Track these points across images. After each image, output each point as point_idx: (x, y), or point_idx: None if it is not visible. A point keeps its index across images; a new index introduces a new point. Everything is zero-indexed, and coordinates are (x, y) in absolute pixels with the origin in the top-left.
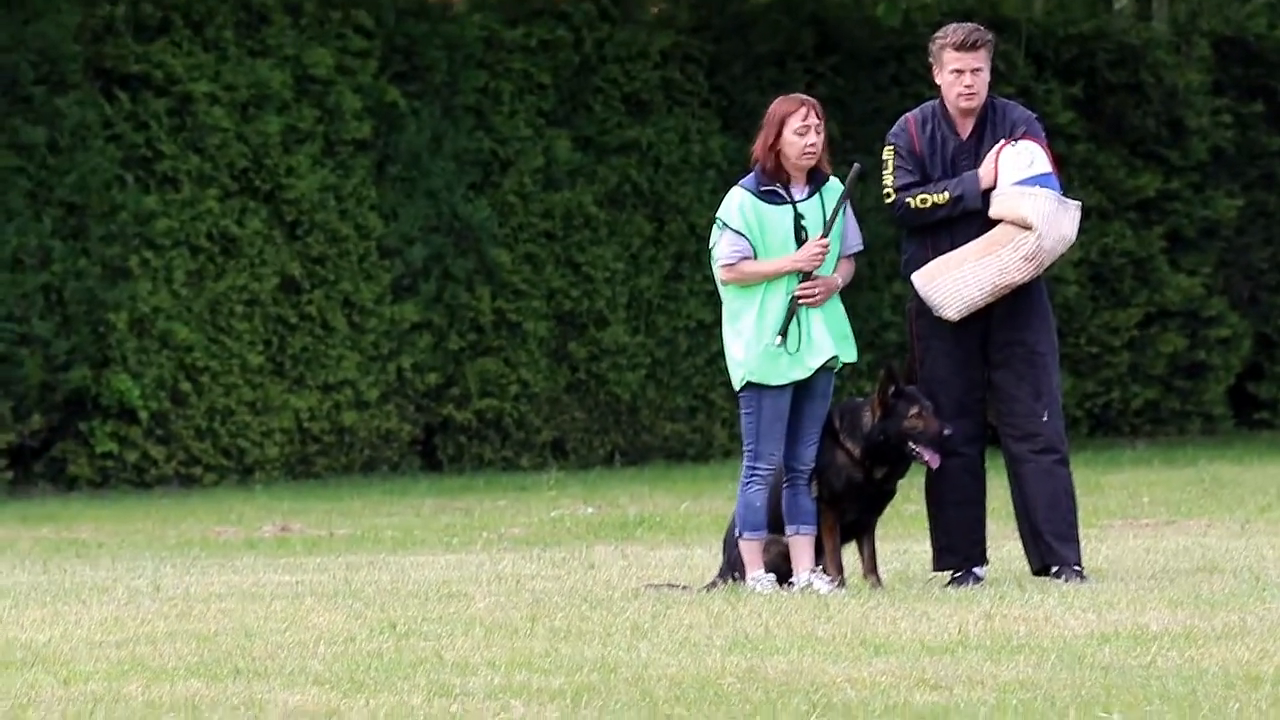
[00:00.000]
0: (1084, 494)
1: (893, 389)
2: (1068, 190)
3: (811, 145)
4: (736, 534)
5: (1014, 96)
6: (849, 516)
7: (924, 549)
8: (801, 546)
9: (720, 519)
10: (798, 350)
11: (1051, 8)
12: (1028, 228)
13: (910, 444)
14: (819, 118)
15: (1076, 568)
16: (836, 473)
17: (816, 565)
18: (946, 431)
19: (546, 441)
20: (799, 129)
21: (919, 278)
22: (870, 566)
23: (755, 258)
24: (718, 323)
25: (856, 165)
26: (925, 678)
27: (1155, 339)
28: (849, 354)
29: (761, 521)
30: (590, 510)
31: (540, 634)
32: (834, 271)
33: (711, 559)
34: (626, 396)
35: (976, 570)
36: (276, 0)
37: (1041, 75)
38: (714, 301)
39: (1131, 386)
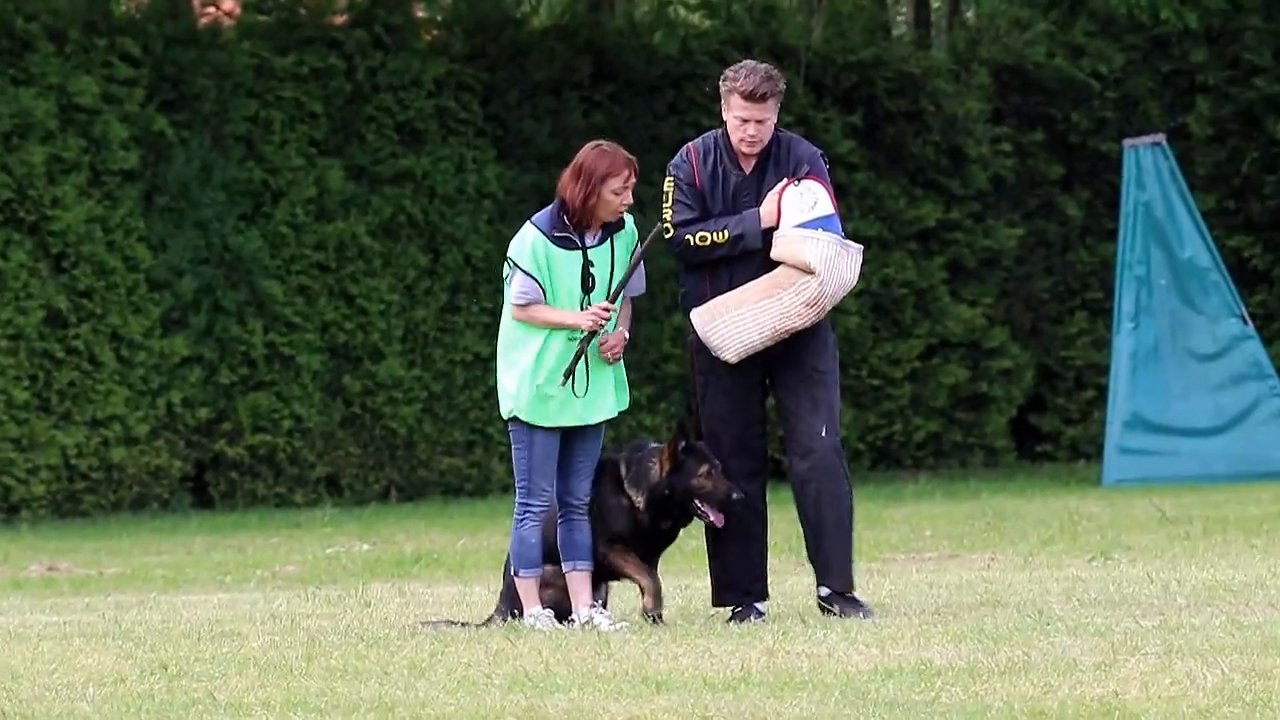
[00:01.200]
0: (866, 527)
1: (683, 444)
2: (848, 221)
3: (625, 204)
4: (512, 572)
5: (793, 125)
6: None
7: (706, 584)
8: (579, 582)
9: (499, 554)
10: (584, 394)
11: (830, 35)
12: (810, 272)
13: (696, 502)
14: (635, 177)
15: (851, 595)
16: (617, 518)
17: (595, 600)
18: (735, 495)
19: (321, 477)
20: (617, 189)
21: (699, 317)
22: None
23: (545, 300)
24: (494, 355)
25: (659, 226)
26: (708, 715)
27: (937, 370)
28: (623, 402)
29: (536, 559)
30: (366, 547)
31: (316, 673)
32: (618, 315)
33: (490, 595)
34: (402, 431)
35: (758, 606)
36: (40, 27)
37: (821, 103)
38: (490, 334)
39: (913, 419)
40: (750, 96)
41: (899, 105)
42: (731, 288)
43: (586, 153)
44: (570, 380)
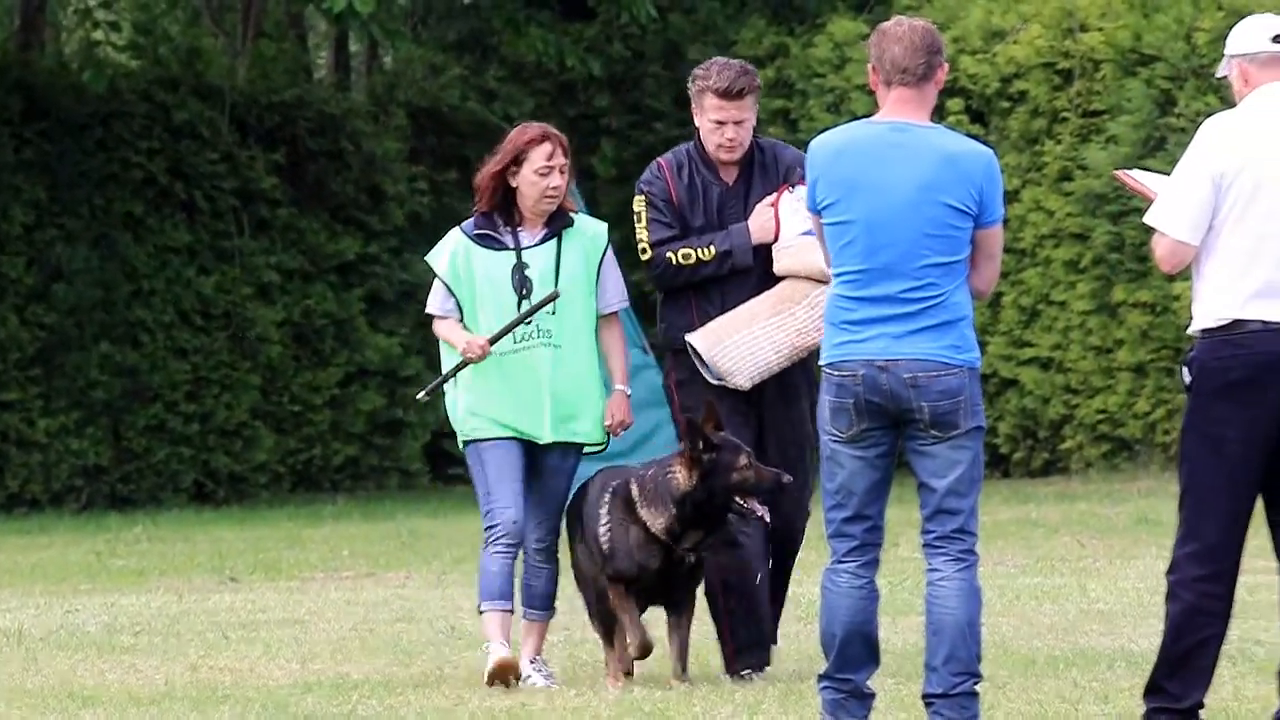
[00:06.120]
0: (286, 547)
1: (702, 443)
2: (271, 255)
3: (554, 188)
4: (477, 604)
5: (219, 162)
6: (642, 596)
7: (131, 601)
8: (527, 631)
9: None
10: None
11: (255, 77)
12: (827, 283)
13: (738, 500)
14: (566, 155)
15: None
16: (626, 555)
17: (538, 656)
18: (786, 479)
19: None
20: (541, 169)
21: (701, 340)
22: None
23: (462, 314)
24: None
25: (553, 291)
26: None
27: (355, 397)
28: (593, 434)
29: (500, 590)
30: None
31: None
32: (597, 330)
33: None
34: None
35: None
36: None
37: (246, 141)
38: None
39: (333, 443)
40: (726, 94)
41: (320, 144)
42: (724, 312)
43: (510, 133)
44: (428, 398)
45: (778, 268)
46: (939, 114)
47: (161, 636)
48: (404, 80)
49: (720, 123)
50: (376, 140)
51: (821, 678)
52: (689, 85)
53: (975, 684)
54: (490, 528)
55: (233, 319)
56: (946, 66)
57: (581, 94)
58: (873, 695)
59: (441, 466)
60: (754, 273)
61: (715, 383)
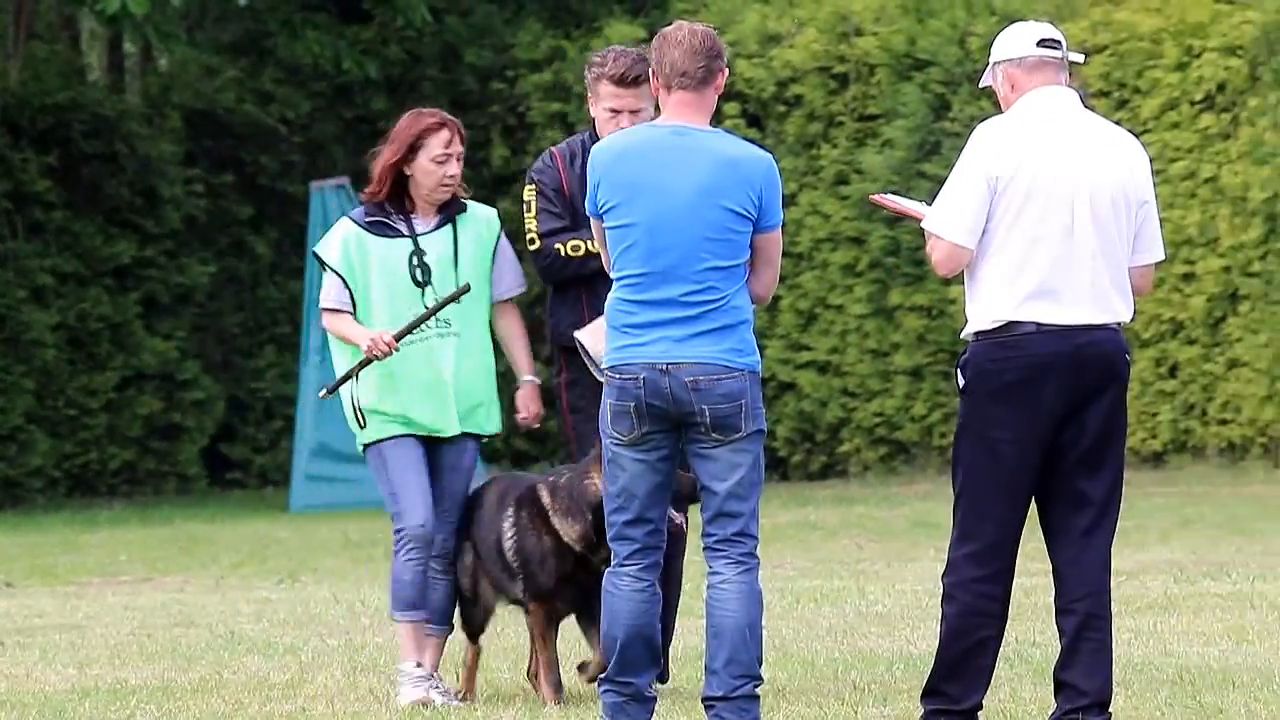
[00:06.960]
0: (62, 552)
1: None
2: (47, 258)
3: (451, 176)
4: (389, 612)
5: None
6: (562, 612)
7: None
8: (422, 647)
9: None
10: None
11: (27, 79)
12: None
13: None
14: (463, 142)
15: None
16: (543, 567)
17: (434, 673)
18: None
19: None
20: (439, 156)
21: (587, 337)
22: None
23: (354, 306)
24: None
25: (467, 284)
26: None
27: (132, 401)
28: (492, 424)
29: (411, 600)
30: None
31: None
32: (491, 316)
33: None
34: None
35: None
36: None
37: (18, 144)
38: None
39: (109, 448)
40: (622, 81)
41: (94, 147)
42: None
43: (401, 119)
44: (330, 393)
45: None
46: (715, 118)
47: None
48: (179, 82)
49: (615, 111)
50: (151, 143)
51: (603, 681)
52: (585, 73)
53: (756, 687)
54: (398, 532)
55: (7, 322)
56: (727, 71)
57: (358, 96)
58: (654, 698)
59: (219, 470)
60: None
61: (603, 380)
